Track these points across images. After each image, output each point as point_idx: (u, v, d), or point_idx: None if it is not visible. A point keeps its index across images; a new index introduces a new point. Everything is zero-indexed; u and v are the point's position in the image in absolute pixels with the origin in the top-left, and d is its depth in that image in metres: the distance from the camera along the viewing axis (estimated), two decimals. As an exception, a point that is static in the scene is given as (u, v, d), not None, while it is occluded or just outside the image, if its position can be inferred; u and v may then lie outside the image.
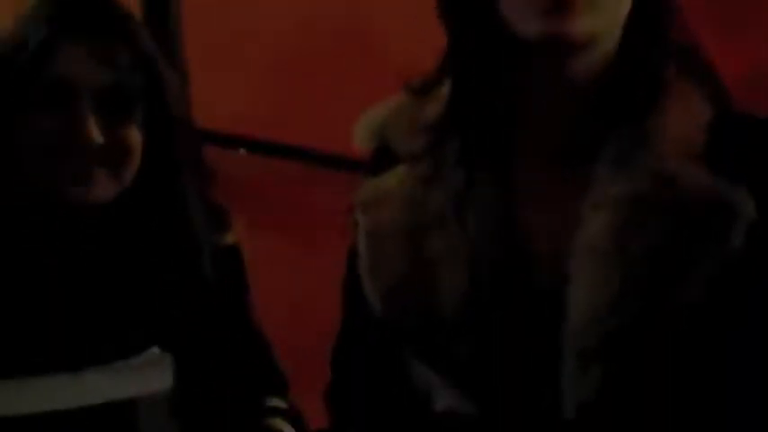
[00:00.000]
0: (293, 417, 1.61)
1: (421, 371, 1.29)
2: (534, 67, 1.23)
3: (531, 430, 1.21)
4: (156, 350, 1.46)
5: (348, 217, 1.34)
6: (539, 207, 1.26)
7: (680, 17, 1.27)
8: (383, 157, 1.34)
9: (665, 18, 1.25)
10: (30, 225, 1.46)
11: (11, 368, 1.41)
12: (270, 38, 2.96)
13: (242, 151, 2.89)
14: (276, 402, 1.60)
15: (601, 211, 1.21)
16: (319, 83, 2.94)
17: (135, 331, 1.47)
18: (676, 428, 1.20)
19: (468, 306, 1.23)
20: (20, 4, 1.49)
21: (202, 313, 1.49)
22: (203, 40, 2.82)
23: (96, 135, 1.40)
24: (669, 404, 1.19)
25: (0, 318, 1.42)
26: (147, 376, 1.46)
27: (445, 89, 1.30)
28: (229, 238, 1.57)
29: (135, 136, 1.45)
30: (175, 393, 1.47)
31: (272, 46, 2.96)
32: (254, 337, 1.59)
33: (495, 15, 1.22)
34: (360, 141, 1.37)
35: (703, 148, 1.21)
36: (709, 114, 1.24)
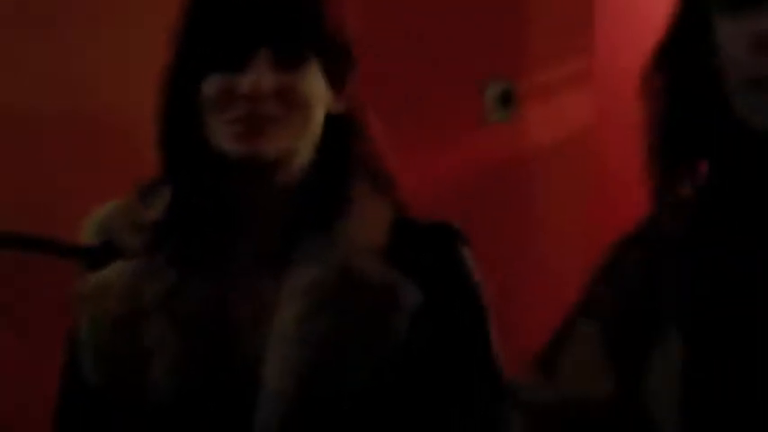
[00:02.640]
0: None
1: None
2: (239, 181, 1.43)
3: None
4: None
5: (70, 306, 1.47)
6: (246, 300, 1.44)
7: (368, 139, 1.50)
8: (105, 252, 1.48)
9: (353, 138, 1.48)
10: None
11: None
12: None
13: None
14: None
15: (292, 300, 1.40)
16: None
17: None
18: None
19: (177, 388, 1.40)
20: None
21: None
22: None
23: None
24: None
25: None
26: None
27: (167, 193, 1.47)
28: None
29: None
30: None
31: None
32: None
33: (202, 136, 1.41)
34: (86, 236, 1.51)
35: (383, 248, 1.43)
36: (389, 219, 1.46)
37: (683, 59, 1.21)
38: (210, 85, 1.40)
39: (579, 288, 1.50)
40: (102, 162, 2.92)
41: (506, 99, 3.37)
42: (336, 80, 1.46)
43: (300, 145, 1.43)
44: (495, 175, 3.36)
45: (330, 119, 1.46)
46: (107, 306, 1.44)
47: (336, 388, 1.38)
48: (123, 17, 2.98)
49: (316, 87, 1.42)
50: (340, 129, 1.47)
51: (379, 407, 1.39)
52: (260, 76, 1.38)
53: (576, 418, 1.31)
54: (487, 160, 3.39)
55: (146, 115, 2.78)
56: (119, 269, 1.46)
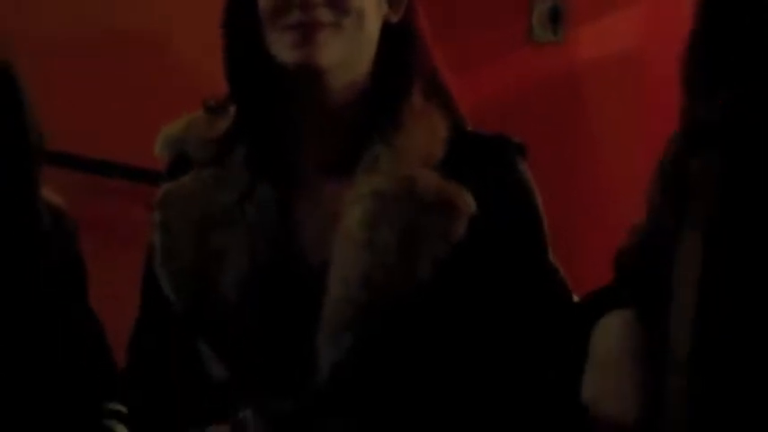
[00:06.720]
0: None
1: (204, 346, 1.49)
2: (297, 90, 1.48)
3: (290, 388, 1.44)
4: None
5: (149, 216, 1.52)
6: (310, 205, 1.50)
7: (425, 50, 1.52)
8: (180, 165, 1.54)
9: (411, 51, 1.51)
10: None
11: None
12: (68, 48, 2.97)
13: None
14: (114, 406, 1.66)
15: (355, 206, 1.45)
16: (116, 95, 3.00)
17: None
18: (418, 388, 1.44)
19: (248, 287, 1.46)
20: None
21: (39, 305, 1.57)
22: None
23: None
24: (410, 365, 1.44)
25: None
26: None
27: (233, 107, 1.53)
28: (73, 248, 1.67)
29: None
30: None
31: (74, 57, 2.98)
32: (92, 338, 1.67)
33: (263, 48, 1.47)
34: (159, 151, 1.57)
35: (440, 159, 1.48)
36: (446, 132, 1.51)
37: None
38: None
39: (632, 203, 1.54)
40: (131, 78, 2.93)
41: (555, 17, 3.36)
42: None
43: (356, 54, 1.46)
44: (542, 93, 3.37)
45: (387, 30, 1.49)
46: (179, 212, 1.49)
47: (399, 291, 1.42)
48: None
49: None
50: (397, 39, 1.50)
51: (440, 311, 1.44)
52: None
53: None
54: (535, 79, 3.39)
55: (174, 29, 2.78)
56: (191, 179, 1.52)
